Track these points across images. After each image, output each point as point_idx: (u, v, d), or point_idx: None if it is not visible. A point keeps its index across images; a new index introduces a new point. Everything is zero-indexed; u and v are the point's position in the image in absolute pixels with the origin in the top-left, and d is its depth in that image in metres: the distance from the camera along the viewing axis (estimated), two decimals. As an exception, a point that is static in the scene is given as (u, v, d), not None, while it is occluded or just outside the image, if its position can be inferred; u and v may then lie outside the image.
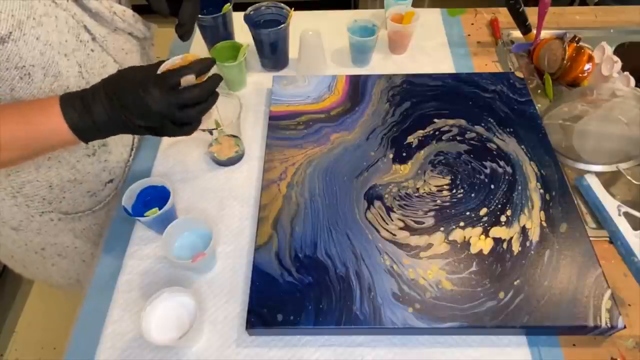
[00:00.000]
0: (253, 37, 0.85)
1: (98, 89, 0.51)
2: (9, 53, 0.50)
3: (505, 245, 0.60)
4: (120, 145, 0.74)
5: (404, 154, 0.71)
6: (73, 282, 0.86)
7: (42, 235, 0.73)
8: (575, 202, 0.65)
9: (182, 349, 0.56)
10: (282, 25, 0.81)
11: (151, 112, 0.50)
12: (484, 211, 0.63)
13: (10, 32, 0.49)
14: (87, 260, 0.83)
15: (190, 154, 0.76)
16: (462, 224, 0.62)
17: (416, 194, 0.66)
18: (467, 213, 0.63)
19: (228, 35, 0.87)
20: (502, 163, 0.69)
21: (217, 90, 0.55)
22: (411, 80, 0.82)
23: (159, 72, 0.52)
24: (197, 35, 0.97)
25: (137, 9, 0.69)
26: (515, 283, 0.56)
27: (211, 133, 0.67)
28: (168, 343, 0.52)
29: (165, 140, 0.78)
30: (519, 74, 0.82)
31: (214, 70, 0.56)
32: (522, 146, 0.71)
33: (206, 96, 0.53)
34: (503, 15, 0.99)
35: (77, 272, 0.84)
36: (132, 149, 0.77)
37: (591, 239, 0.61)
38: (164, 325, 0.53)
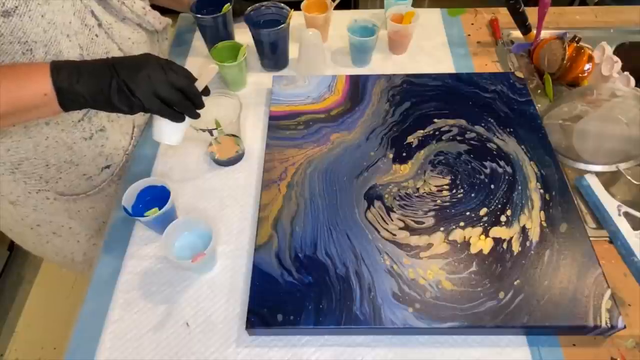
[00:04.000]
0: (253, 37, 0.85)
1: (105, 61, 0.53)
2: (13, 27, 0.51)
3: (505, 245, 0.60)
4: (118, 132, 0.75)
5: (404, 154, 0.71)
6: (68, 261, 0.87)
7: (38, 212, 0.74)
8: (575, 202, 0.65)
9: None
10: (282, 25, 0.81)
11: (155, 86, 0.53)
12: (484, 211, 0.63)
13: (16, 6, 0.51)
14: (81, 240, 0.84)
15: (190, 154, 0.76)
16: (462, 224, 0.62)
17: (416, 194, 0.66)
18: (467, 213, 0.63)
19: (228, 35, 0.88)
20: (502, 163, 0.69)
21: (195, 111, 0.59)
22: (411, 80, 0.82)
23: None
24: (197, 35, 0.97)
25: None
26: (515, 283, 0.56)
27: (211, 133, 0.67)
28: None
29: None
30: (519, 74, 0.82)
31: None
32: (522, 146, 0.71)
33: (198, 97, 0.58)
34: (503, 15, 0.99)
35: (71, 252, 0.85)
36: (131, 138, 0.78)
37: (591, 239, 0.61)
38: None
